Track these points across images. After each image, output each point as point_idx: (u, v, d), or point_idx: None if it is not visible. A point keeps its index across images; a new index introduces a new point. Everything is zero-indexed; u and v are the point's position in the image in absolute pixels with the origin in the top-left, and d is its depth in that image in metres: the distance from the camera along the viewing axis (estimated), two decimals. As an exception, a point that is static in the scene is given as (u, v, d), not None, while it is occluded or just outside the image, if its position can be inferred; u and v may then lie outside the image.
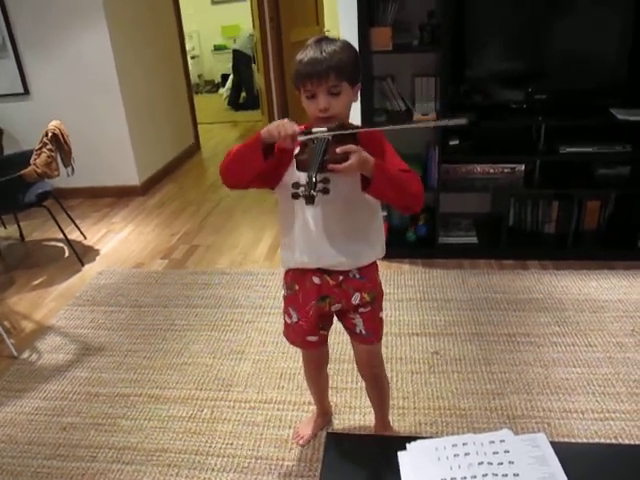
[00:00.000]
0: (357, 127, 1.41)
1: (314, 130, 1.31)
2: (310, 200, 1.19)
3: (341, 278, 1.61)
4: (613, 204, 3.29)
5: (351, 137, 1.32)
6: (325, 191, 1.20)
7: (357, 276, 1.62)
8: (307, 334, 1.73)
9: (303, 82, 1.38)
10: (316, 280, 1.63)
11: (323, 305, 1.66)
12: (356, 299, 1.64)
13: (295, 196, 1.21)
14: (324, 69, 1.34)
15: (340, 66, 1.35)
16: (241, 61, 8.10)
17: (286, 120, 1.34)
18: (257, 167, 1.39)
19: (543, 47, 2.97)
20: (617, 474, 1.07)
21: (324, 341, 1.81)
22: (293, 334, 1.77)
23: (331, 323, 1.78)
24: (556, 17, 2.85)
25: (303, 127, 1.37)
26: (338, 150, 1.25)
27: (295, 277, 1.68)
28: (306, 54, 1.38)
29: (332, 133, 1.29)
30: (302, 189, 1.19)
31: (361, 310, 1.67)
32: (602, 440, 1.96)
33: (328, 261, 1.57)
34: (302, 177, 1.23)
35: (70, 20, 4.21)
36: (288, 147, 1.34)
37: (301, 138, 1.31)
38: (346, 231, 1.54)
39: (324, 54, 1.35)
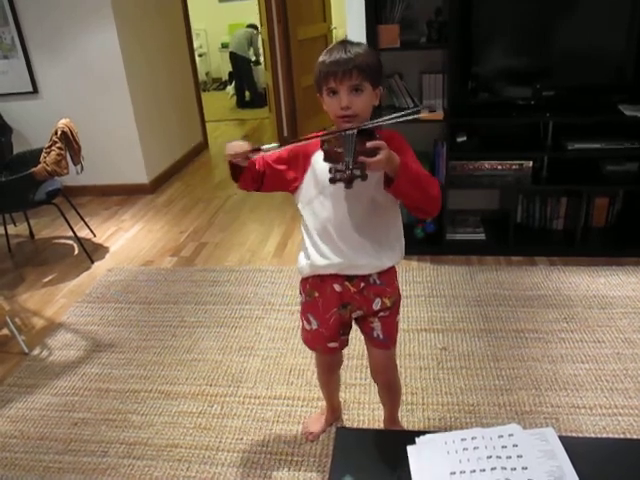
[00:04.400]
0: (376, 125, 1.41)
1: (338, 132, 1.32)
2: (349, 183, 1.20)
3: (362, 285, 1.60)
4: (621, 200, 3.29)
5: (373, 138, 1.33)
6: (363, 177, 1.21)
7: (377, 282, 1.61)
8: (328, 341, 1.73)
9: (326, 79, 1.40)
10: (337, 287, 1.61)
11: (344, 313, 1.66)
12: (377, 305, 1.64)
13: (332, 180, 1.21)
14: (348, 67, 1.37)
15: (363, 66, 1.38)
16: (238, 63, 8.11)
17: (235, 141, 1.42)
18: (244, 182, 1.51)
19: (551, 43, 2.96)
20: (625, 468, 1.07)
21: (344, 345, 1.81)
22: (313, 341, 1.76)
23: (351, 327, 1.77)
24: (564, 13, 2.84)
25: (320, 132, 1.37)
26: (368, 144, 1.26)
27: (314, 284, 1.66)
28: (330, 54, 1.40)
29: (359, 127, 1.30)
30: (339, 174, 1.20)
31: (381, 315, 1.67)
32: (610, 435, 1.96)
33: (353, 262, 1.55)
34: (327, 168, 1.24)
35: (78, 19, 4.23)
36: (240, 164, 1.44)
37: (324, 137, 1.32)
38: (369, 232, 1.53)
39: (349, 54, 1.38)
